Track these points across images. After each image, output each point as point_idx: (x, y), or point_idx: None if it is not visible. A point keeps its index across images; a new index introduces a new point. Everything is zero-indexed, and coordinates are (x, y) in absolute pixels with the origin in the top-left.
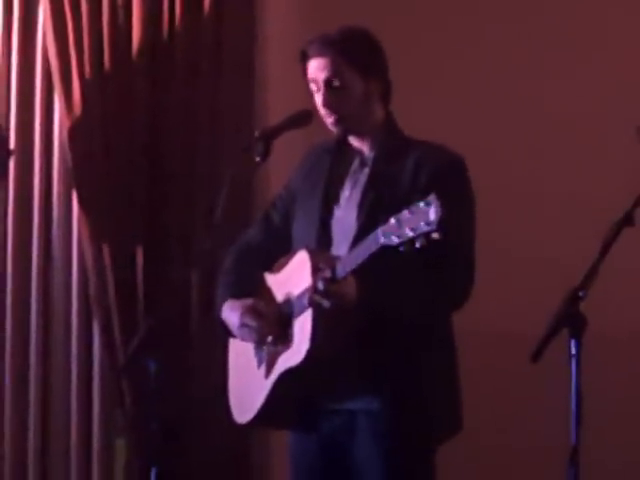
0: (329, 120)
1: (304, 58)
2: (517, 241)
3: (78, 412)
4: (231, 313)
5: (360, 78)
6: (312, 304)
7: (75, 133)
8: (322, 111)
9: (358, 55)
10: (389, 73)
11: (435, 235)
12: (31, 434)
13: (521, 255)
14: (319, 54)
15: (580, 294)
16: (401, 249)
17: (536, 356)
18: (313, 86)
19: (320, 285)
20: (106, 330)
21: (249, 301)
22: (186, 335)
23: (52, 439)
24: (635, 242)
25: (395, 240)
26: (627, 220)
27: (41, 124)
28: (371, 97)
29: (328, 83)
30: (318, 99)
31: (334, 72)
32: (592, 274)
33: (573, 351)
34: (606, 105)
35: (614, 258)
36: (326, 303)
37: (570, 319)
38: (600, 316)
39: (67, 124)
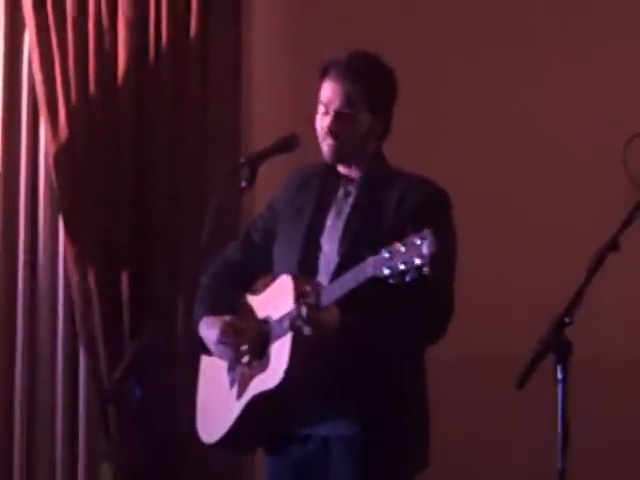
0: (326, 143)
1: (323, 74)
2: (503, 267)
3: (63, 436)
4: (209, 330)
5: (370, 115)
6: (293, 329)
7: (61, 158)
8: (322, 132)
9: (377, 94)
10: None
11: (426, 269)
12: (16, 458)
13: (507, 281)
14: (339, 79)
15: (566, 320)
16: (391, 281)
17: (522, 382)
18: (322, 107)
19: (303, 311)
20: (91, 354)
21: (227, 318)
22: (172, 359)
23: (37, 463)
24: (620, 267)
25: (386, 272)
26: (612, 245)
27: (27, 149)
28: (373, 134)
29: (339, 110)
30: (323, 120)
31: (348, 102)
32: (578, 299)
33: (559, 376)
34: (590, 134)
35: (600, 283)
36: (307, 330)
37: (556, 345)
38: (586, 341)
39: (53, 149)
